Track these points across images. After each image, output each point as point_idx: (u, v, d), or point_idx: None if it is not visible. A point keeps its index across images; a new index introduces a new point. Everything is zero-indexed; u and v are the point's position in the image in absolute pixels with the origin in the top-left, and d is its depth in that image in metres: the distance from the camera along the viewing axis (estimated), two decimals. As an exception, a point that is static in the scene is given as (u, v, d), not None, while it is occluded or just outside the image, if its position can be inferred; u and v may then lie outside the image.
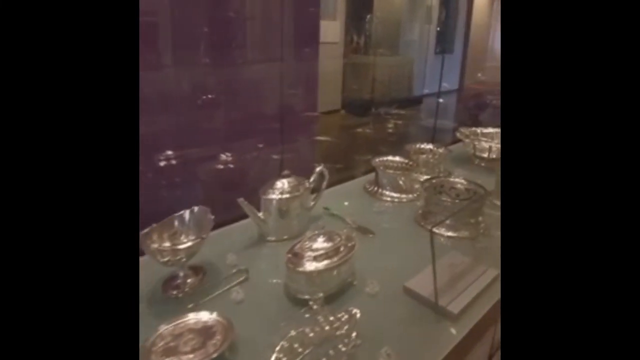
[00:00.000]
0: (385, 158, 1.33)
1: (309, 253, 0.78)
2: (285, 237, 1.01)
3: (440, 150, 1.46)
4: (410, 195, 1.25)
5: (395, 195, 1.24)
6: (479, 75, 2.68)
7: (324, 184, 1.10)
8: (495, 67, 5.35)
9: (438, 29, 6.79)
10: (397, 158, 1.33)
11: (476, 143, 1.54)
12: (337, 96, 5.74)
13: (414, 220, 1.10)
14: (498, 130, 1.70)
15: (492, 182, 1.29)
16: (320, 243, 0.80)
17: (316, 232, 0.83)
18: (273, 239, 1.00)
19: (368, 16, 5.91)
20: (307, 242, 0.80)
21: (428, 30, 6.22)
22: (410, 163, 1.33)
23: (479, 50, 4.23)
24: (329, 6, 5.42)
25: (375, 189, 1.26)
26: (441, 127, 1.91)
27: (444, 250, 0.96)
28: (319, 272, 0.77)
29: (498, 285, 0.82)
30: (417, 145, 1.48)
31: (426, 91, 5.55)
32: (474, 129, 1.68)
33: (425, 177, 1.39)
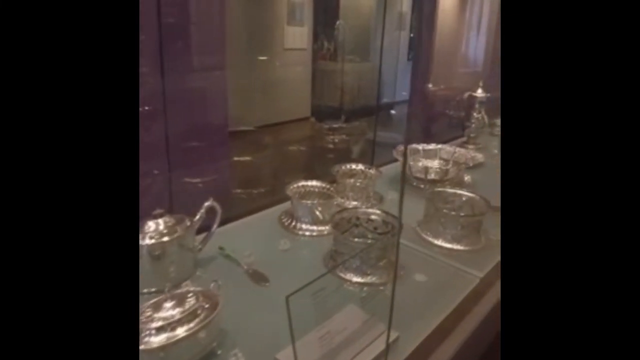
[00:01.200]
0: (303, 183, 1.18)
1: (153, 324, 0.62)
2: (168, 284, 0.85)
3: (372, 172, 1.32)
4: (329, 228, 1.09)
5: (314, 228, 1.09)
6: (429, 86, 2.56)
7: (217, 220, 0.95)
8: (465, 73, 5.29)
9: (411, 35, 6.71)
10: (315, 183, 1.18)
11: (412, 163, 1.40)
12: (307, 103, 5.61)
13: (322, 261, 0.95)
14: (441, 146, 1.57)
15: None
16: (168, 310, 0.64)
17: (162, 296, 0.67)
18: (152, 289, 0.84)
19: (338, 22, 5.81)
20: (149, 312, 0.64)
21: (399, 36, 6.14)
22: (331, 189, 1.18)
23: (446, 57, 4.14)
24: (295, 12, 5.29)
25: (290, 221, 1.11)
26: (391, 141, 1.76)
27: (351, 300, 0.81)
28: (162, 347, 0.61)
29: (389, 356, 0.67)
30: (347, 166, 1.33)
31: (385, 100, 5.46)
32: (414, 145, 1.55)
33: (353, 203, 1.25)
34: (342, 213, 0.99)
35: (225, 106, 1.18)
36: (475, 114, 1.87)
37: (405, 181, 1.30)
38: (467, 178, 1.56)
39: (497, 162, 1.71)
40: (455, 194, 1.15)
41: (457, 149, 1.54)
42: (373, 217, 0.99)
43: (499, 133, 1.97)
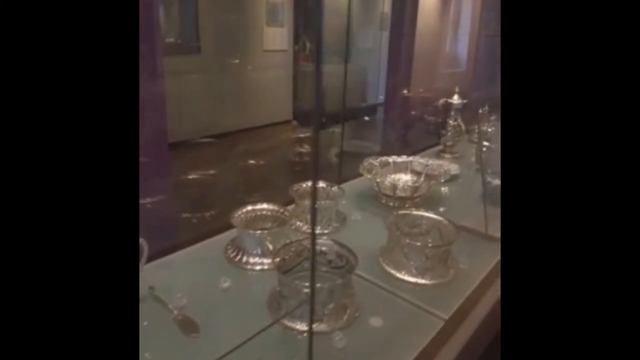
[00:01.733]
0: (252, 207, 1.05)
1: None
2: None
3: (335, 190, 1.20)
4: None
5: (264, 261, 0.96)
6: (405, 92, 2.45)
7: (143, 258, 0.82)
8: (449, 73, 5.21)
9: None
10: (267, 206, 1.06)
11: (379, 179, 1.28)
12: (288, 106, 5.48)
13: (267, 303, 0.83)
14: (413, 158, 1.46)
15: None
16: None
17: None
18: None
19: (319, 22, 5.68)
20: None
21: (381, 37, 6.04)
22: (285, 213, 1.06)
23: (427, 57, 4.05)
24: (275, 12, 5.16)
25: (236, 252, 0.98)
26: (365, 151, 1.64)
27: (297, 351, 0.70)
28: None
29: None
30: (307, 184, 1.21)
31: (364, 103, 5.36)
32: (385, 158, 1.43)
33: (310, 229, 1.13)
34: (289, 246, 0.87)
35: (163, 117, 1.05)
36: (451, 122, 1.76)
37: (324, 205, 1.18)
38: (443, 190, 1.46)
39: (473, 173, 1.61)
40: (422, 217, 1.03)
41: (430, 161, 1.42)
42: (324, 248, 0.87)
43: (477, 140, 1.86)
